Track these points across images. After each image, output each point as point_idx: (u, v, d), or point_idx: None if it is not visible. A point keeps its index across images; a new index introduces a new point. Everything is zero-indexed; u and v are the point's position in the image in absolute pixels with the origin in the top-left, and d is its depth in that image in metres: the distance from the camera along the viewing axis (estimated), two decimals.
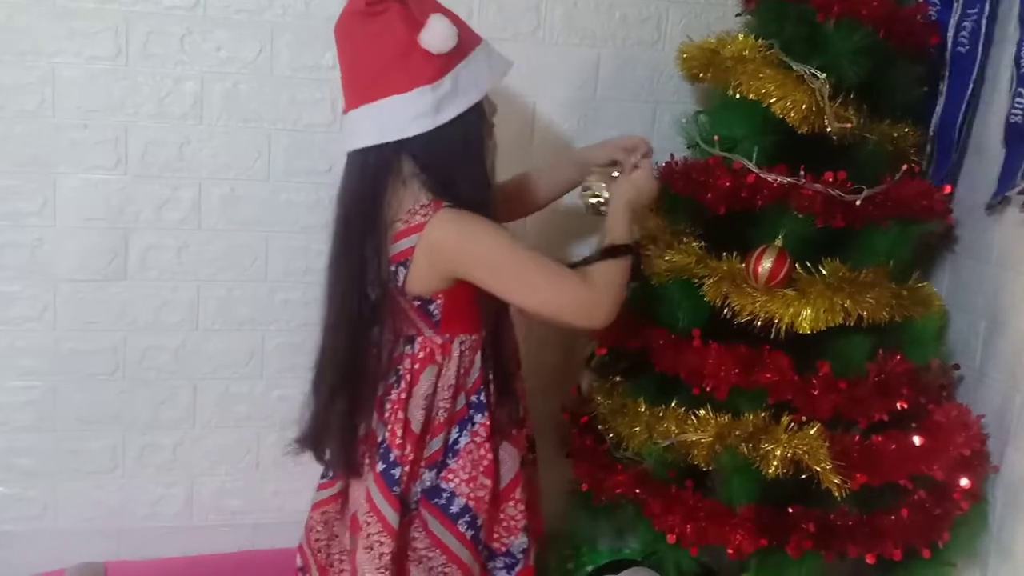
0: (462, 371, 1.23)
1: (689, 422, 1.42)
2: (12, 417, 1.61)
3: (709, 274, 1.44)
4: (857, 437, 1.40)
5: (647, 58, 1.73)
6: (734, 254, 1.45)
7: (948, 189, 1.59)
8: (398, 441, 1.21)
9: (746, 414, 1.40)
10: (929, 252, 1.69)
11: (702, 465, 1.42)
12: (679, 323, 1.48)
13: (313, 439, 1.28)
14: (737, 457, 1.38)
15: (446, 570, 1.24)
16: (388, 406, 1.22)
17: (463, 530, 1.23)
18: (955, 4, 1.61)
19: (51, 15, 1.49)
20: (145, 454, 1.68)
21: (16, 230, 1.55)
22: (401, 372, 1.23)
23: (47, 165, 1.54)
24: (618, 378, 1.60)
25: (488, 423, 1.24)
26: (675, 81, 1.65)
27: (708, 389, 1.41)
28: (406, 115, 1.13)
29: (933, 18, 1.64)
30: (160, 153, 1.58)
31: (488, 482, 1.23)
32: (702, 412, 1.42)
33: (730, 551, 1.38)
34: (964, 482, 1.46)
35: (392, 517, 1.21)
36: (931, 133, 1.64)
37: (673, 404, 1.46)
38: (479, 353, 1.24)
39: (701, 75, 1.56)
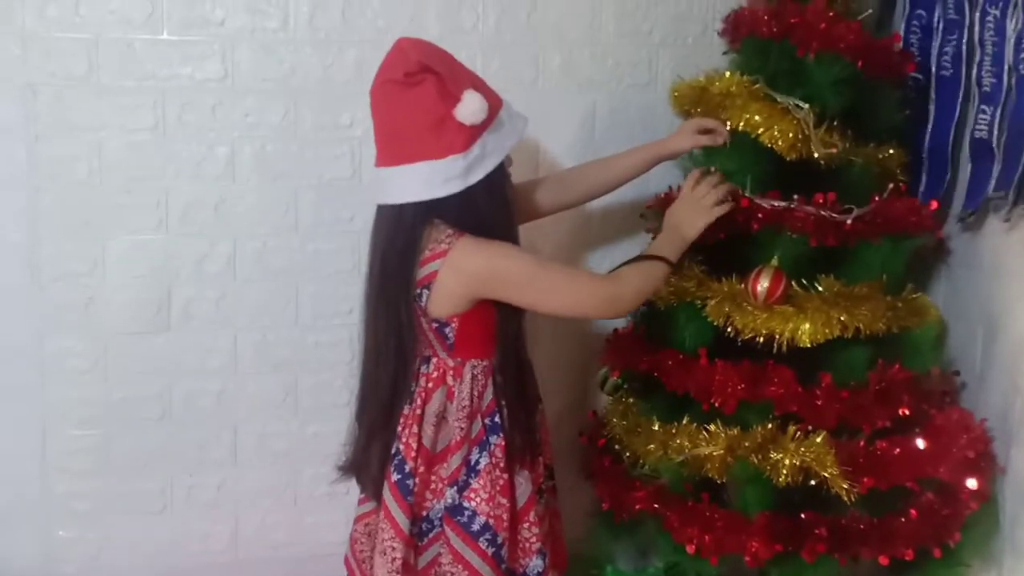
0: (475, 394, 1.33)
1: (701, 437, 1.49)
2: (71, 464, 1.72)
3: (711, 296, 1.53)
4: (862, 443, 1.46)
5: (641, 99, 1.84)
6: (733, 276, 1.54)
7: (935, 205, 1.67)
8: (412, 454, 1.31)
9: (754, 426, 1.47)
10: (924, 264, 1.76)
11: (716, 477, 1.49)
12: (686, 344, 1.56)
13: (356, 470, 1.40)
14: (748, 468, 1.45)
15: None
16: (401, 420, 1.33)
17: (484, 547, 1.31)
18: (935, 32, 1.71)
19: (95, 93, 1.64)
20: (192, 493, 1.78)
21: (70, 290, 1.68)
22: (415, 390, 1.33)
23: (96, 229, 1.67)
24: (631, 399, 1.68)
25: (503, 444, 1.33)
26: (668, 118, 1.76)
27: (717, 404, 1.48)
28: (438, 179, 1.26)
29: (914, 46, 1.74)
30: (198, 213, 1.71)
31: (505, 501, 1.32)
32: (712, 427, 1.49)
33: (748, 558, 1.44)
34: (972, 483, 1.52)
35: (404, 523, 1.31)
36: (923, 154, 1.72)
37: (685, 421, 1.53)
38: (491, 378, 1.34)
39: (692, 111, 1.66)
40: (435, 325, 1.31)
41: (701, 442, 1.49)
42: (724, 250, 1.57)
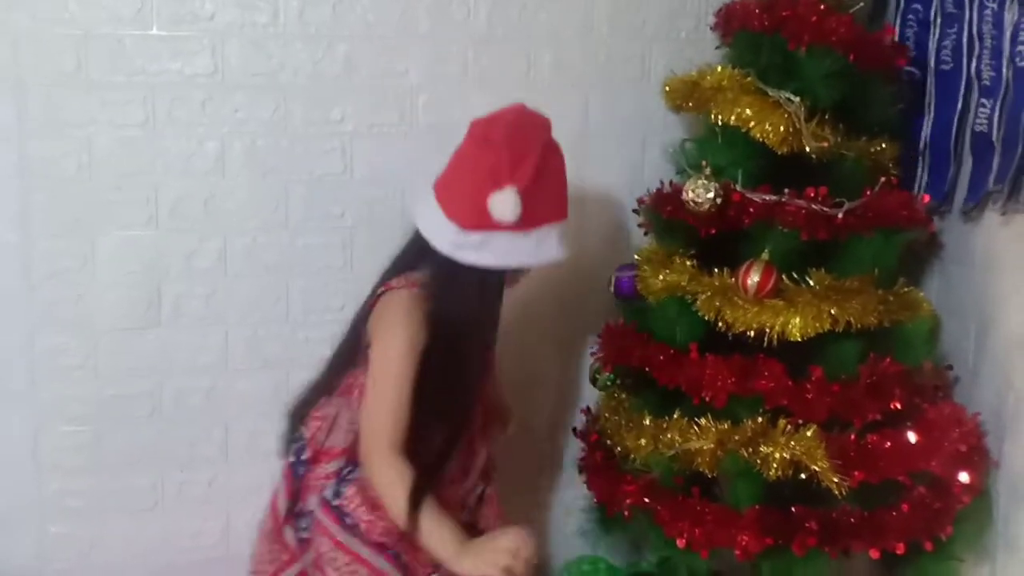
0: None
1: (692, 431, 1.49)
2: (63, 461, 1.71)
3: (702, 290, 1.52)
4: (853, 437, 1.46)
5: (633, 94, 1.84)
6: (724, 270, 1.54)
7: (927, 199, 1.66)
8: (312, 443, 1.36)
9: (745, 420, 1.47)
10: (917, 259, 1.76)
11: (707, 471, 1.49)
12: (677, 338, 1.55)
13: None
14: (739, 462, 1.45)
15: (352, 568, 1.30)
16: (313, 412, 1.38)
17: (357, 536, 1.30)
18: (931, 25, 1.70)
19: (85, 90, 1.63)
20: (183, 490, 1.78)
21: (61, 287, 1.67)
22: (335, 394, 1.38)
23: (86, 225, 1.67)
24: (623, 394, 1.68)
25: None
26: (661, 113, 1.75)
27: (707, 399, 1.48)
28: (433, 225, 1.28)
29: (911, 40, 1.73)
30: (188, 209, 1.70)
31: (381, 512, 1.29)
32: (703, 421, 1.49)
33: (737, 552, 1.44)
34: (964, 477, 1.51)
35: (282, 504, 1.38)
36: (920, 148, 1.71)
37: (676, 415, 1.53)
38: None
39: (684, 106, 1.66)
40: (366, 346, 1.33)
41: (692, 436, 1.49)
42: (715, 244, 1.56)
